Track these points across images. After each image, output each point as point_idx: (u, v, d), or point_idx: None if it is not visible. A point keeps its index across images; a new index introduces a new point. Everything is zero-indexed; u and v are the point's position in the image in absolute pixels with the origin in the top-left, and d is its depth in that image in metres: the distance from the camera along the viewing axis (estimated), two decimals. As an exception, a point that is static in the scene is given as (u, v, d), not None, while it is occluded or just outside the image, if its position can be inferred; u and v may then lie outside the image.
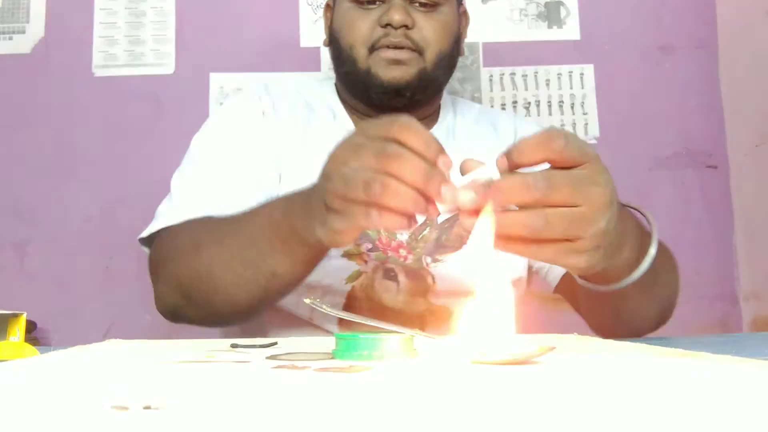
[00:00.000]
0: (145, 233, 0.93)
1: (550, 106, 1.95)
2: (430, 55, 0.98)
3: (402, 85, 0.97)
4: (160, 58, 1.92)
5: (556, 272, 1.01)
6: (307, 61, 1.93)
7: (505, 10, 1.92)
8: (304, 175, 0.72)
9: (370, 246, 0.97)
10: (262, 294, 0.79)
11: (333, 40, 1.05)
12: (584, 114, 1.95)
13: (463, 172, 0.58)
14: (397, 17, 0.95)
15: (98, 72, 1.91)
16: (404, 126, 0.56)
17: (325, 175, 0.61)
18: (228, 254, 0.78)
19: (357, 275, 0.95)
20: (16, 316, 0.62)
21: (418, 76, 0.97)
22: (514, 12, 1.95)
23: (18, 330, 0.61)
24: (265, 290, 0.78)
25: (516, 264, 1.02)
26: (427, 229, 0.99)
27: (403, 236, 0.98)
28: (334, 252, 0.88)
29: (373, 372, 0.37)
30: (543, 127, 1.17)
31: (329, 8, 1.09)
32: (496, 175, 0.55)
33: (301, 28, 1.95)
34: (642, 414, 0.25)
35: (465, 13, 1.10)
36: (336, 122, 1.05)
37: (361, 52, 0.98)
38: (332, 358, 0.44)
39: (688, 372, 0.37)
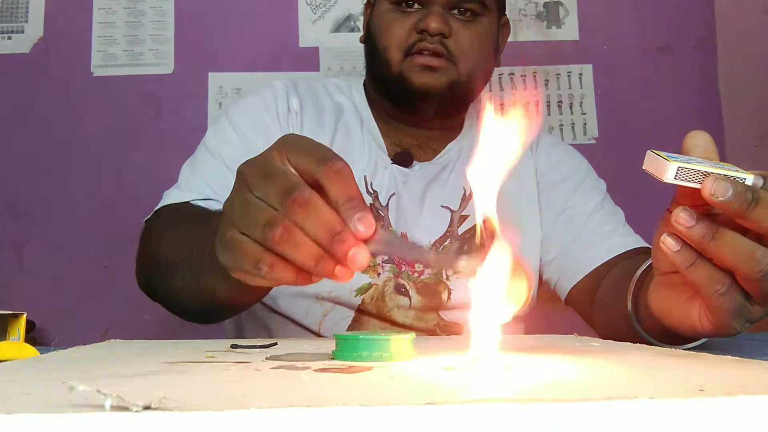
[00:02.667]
0: (149, 216, 0.91)
1: (549, 106, 1.96)
2: (464, 65, 0.97)
3: (432, 92, 0.96)
4: (159, 58, 1.92)
5: (567, 283, 0.99)
6: (305, 61, 1.93)
7: (504, 10, 1.92)
8: None
9: (385, 257, 0.95)
10: (208, 308, 0.73)
11: (369, 39, 1.04)
12: (583, 114, 1.95)
13: (690, 149, 0.52)
14: (433, 25, 0.93)
15: (97, 72, 1.91)
16: (331, 169, 0.47)
17: (233, 190, 0.51)
18: (179, 257, 0.72)
19: (367, 287, 0.94)
20: (16, 316, 0.62)
21: (450, 85, 0.96)
22: (512, 12, 1.95)
23: (18, 330, 0.61)
24: (209, 305, 0.72)
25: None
26: (448, 240, 0.98)
27: None
28: None
29: (372, 372, 0.37)
30: (562, 144, 1.14)
31: (369, 5, 1.07)
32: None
33: (300, 27, 1.95)
34: (642, 414, 0.25)
35: (506, 24, 1.08)
36: (363, 127, 1.04)
37: (395, 56, 0.97)
38: (332, 358, 0.44)
39: (687, 372, 0.37)
